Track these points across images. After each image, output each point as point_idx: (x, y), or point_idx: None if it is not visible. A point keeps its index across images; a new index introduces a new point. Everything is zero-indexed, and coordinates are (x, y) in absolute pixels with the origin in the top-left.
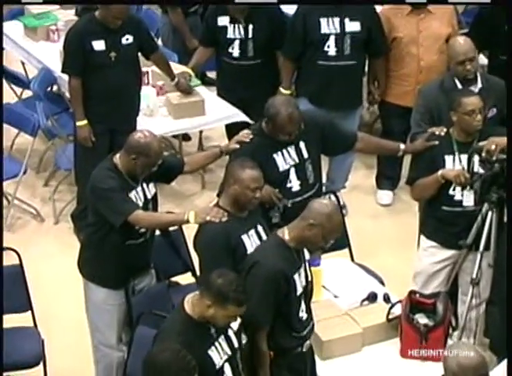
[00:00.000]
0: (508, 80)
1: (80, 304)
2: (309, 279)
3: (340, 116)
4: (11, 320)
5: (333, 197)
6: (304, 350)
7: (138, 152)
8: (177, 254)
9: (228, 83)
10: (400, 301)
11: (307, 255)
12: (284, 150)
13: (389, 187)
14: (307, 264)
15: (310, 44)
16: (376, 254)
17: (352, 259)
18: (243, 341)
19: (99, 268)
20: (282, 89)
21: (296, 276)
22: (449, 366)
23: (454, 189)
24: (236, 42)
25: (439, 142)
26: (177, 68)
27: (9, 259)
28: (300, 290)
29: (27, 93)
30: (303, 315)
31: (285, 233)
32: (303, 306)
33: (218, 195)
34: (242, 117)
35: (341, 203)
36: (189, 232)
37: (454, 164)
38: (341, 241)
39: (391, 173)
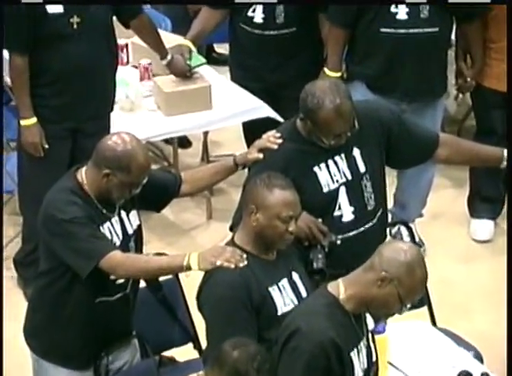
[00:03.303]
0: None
1: None
2: (373, 359)
3: (415, 109)
4: None
5: (404, 230)
6: None
7: (113, 165)
8: (171, 316)
9: (246, 62)
10: None
11: (370, 323)
12: (330, 161)
13: (488, 215)
14: (370, 336)
15: None
16: (469, 314)
17: (434, 322)
18: None
19: (56, 338)
20: (327, 70)
21: (353, 354)
22: None
23: None
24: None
25: None
26: (170, 40)
27: None
28: (359, 374)
29: None
30: None
31: (340, 290)
32: None
33: (232, 228)
34: (267, 111)
35: (417, 238)
36: (190, 283)
37: None
38: None
39: (492, 194)
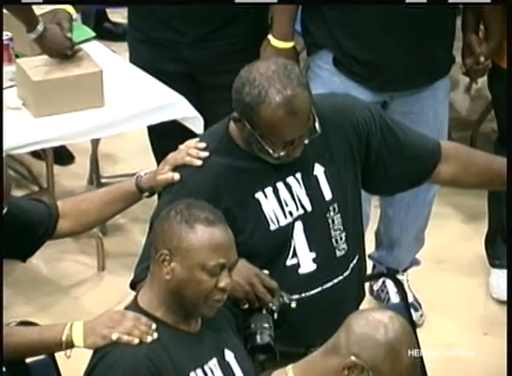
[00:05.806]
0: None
1: None
2: None
3: (406, 102)
4: None
5: (390, 286)
6: None
7: None
8: None
9: (153, 33)
10: None
11: None
12: (280, 184)
13: None
14: None
15: None
16: None
17: None
18: None
19: None
20: (272, 39)
21: None
22: None
23: None
24: None
25: None
26: (42, 6)
27: None
28: None
29: None
30: None
31: None
32: None
33: (135, 285)
34: (185, 109)
35: (410, 298)
36: (72, 366)
37: None
38: None
39: None
